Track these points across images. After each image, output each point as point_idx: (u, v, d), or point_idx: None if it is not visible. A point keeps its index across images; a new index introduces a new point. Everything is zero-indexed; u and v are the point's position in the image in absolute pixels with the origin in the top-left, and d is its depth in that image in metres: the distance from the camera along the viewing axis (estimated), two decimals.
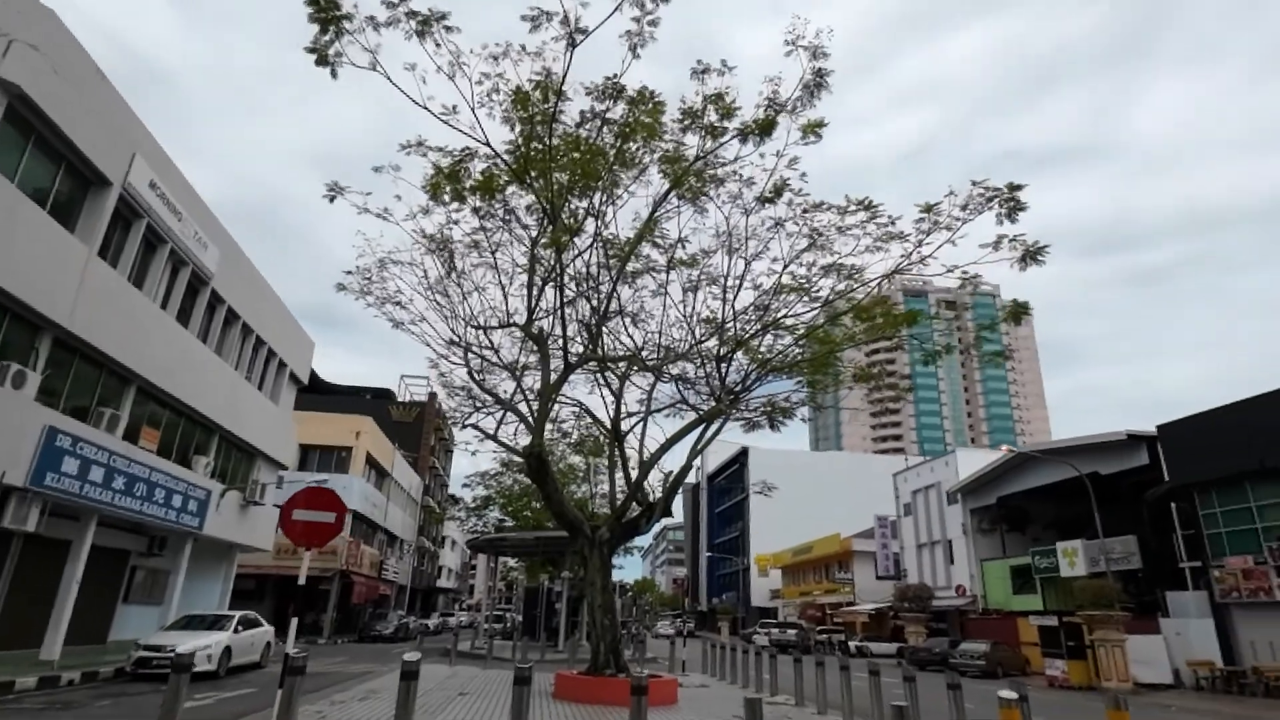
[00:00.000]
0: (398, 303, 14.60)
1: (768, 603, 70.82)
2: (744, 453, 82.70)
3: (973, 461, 40.16)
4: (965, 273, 13.05)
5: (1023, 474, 35.21)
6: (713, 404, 14.17)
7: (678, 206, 13.89)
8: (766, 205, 13.65)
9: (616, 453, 15.03)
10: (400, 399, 59.93)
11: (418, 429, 61.40)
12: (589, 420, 16.87)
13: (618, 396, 15.28)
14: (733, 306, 13.97)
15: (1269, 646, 22.40)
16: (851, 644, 42.58)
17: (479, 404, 15.64)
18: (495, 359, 14.80)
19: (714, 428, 14.54)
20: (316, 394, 49.56)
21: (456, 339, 14.28)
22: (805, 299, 14.48)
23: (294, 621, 7.14)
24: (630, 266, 14.35)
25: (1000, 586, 36.69)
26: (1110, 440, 28.83)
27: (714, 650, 19.71)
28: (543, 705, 11.69)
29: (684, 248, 14.30)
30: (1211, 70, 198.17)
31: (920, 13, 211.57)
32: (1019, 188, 11.94)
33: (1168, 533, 27.04)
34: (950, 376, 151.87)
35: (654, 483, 16.51)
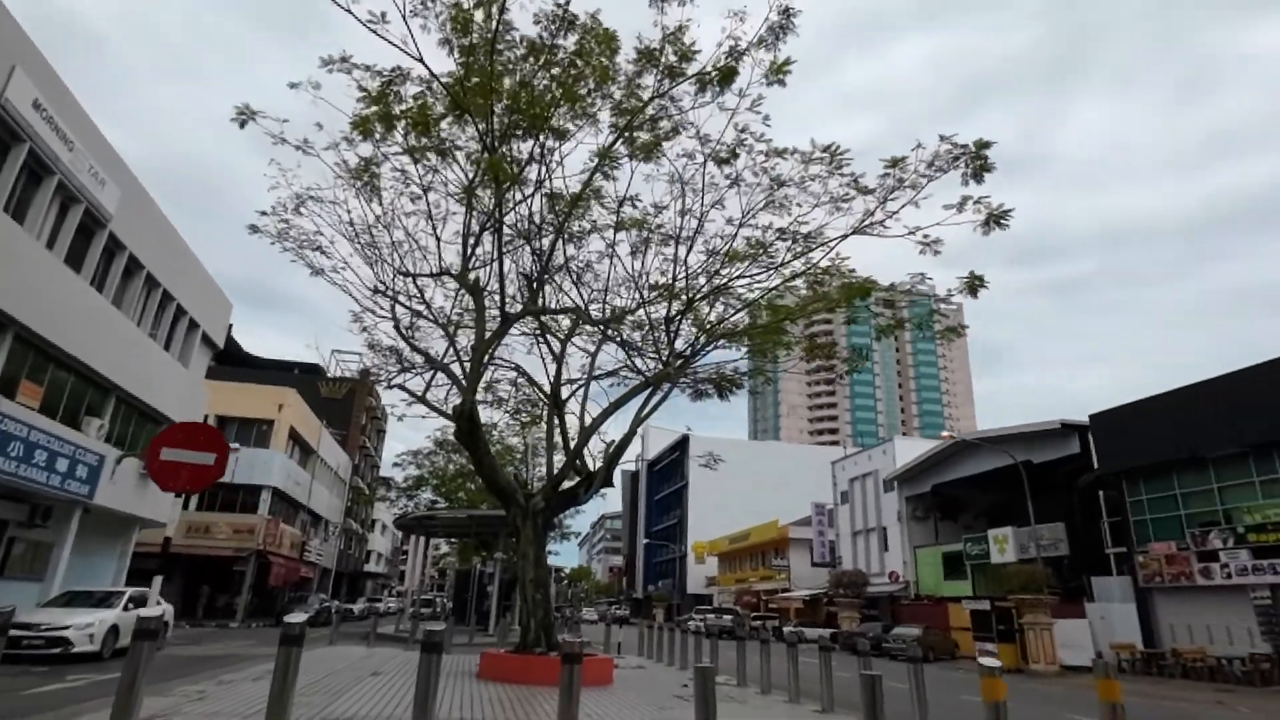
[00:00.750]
0: (318, 247, 13.19)
1: (704, 590, 70.96)
2: (684, 440, 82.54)
3: (910, 450, 40.67)
4: (927, 236, 12.51)
5: (958, 462, 35.75)
6: (660, 369, 13.29)
7: (630, 159, 12.90)
8: (724, 166, 12.83)
9: (556, 420, 14.01)
10: (331, 375, 57.13)
11: (348, 406, 58.80)
12: (527, 388, 15.78)
13: (559, 359, 14.26)
14: (685, 265, 13.10)
15: (1187, 629, 23.07)
16: (786, 630, 42.69)
17: (407, 364, 14.36)
18: (426, 313, 13.56)
19: (660, 395, 13.68)
20: (240, 366, 46.72)
21: (382, 287, 12.97)
22: (759, 264, 13.79)
23: (156, 581, 5.93)
24: (576, 226, 13.34)
25: (932, 573, 37.27)
26: (1045, 429, 29.36)
27: (651, 633, 18.97)
28: (464, 686, 10.64)
29: (634, 205, 13.35)
30: (1131, 95, 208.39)
31: (866, 18, 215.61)
32: (987, 145, 11.43)
33: (1095, 520, 27.71)
34: (885, 372, 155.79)
35: (595, 452, 15.57)
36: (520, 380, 15.36)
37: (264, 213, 12.92)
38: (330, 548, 53.03)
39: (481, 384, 15.16)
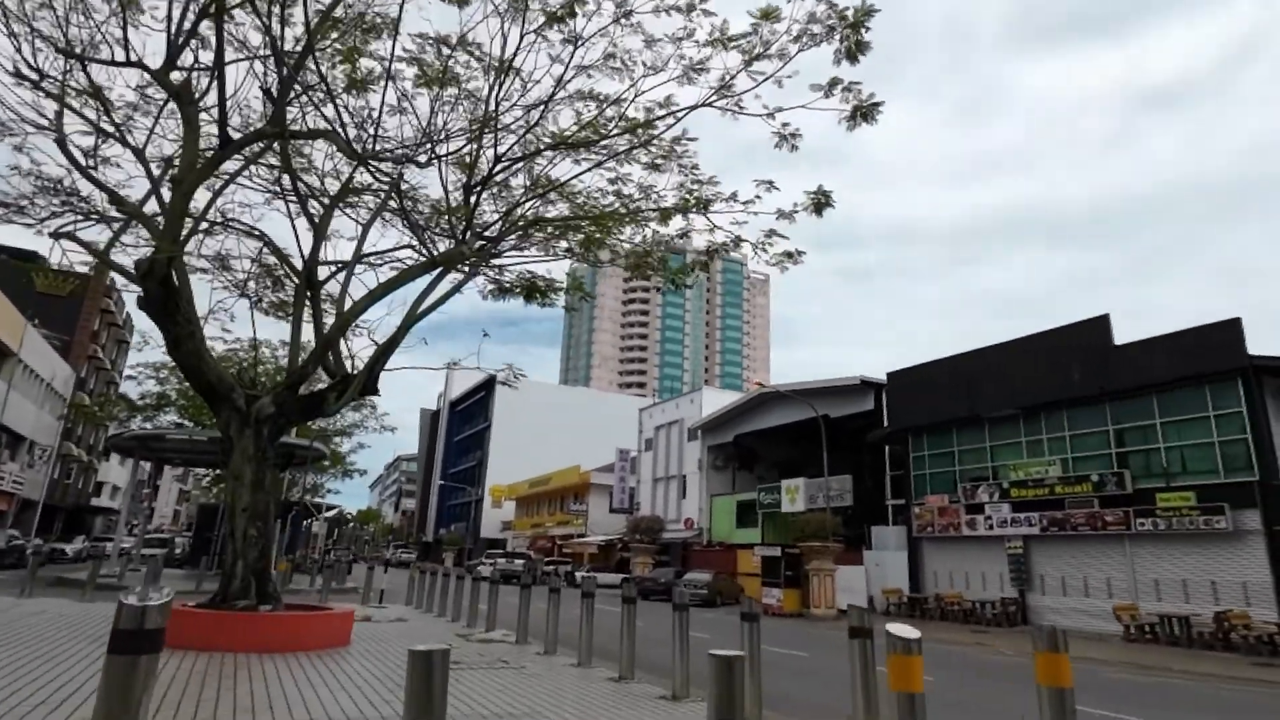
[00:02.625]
0: None
1: (499, 534, 68.81)
2: (490, 381, 78.95)
3: (717, 401, 40.90)
4: (786, 125, 10.62)
5: (761, 414, 36.29)
6: (453, 248, 10.30)
7: None
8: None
9: (308, 307, 10.51)
10: (54, 265, 45.83)
11: (75, 308, 48.11)
12: (278, 268, 11.90)
13: (318, 228, 10.70)
14: (493, 123, 10.08)
15: (949, 576, 24.70)
16: (578, 575, 41.75)
17: (81, 205, 10.00)
18: (110, 125, 9.32)
19: (451, 285, 10.72)
20: None
21: (32, 72, 8.58)
22: (591, 153, 11.24)
23: None
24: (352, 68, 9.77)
25: (725, 520, 37.90)
26: (845, 384, 30.15)
27: (424, 579, 16.13)
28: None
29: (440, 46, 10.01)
30: (926, 108, 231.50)
31: None
32: (870, 13, 9.60)
33: (879, 473, 29.05)
34: (694, 331, 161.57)
35: (359, 354, 12.22)
36: (266, 252, 11.51)
37: None
38: (38, 475, 43.33)
39: (208, 249, 11.21)
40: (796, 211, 12.35)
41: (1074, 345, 21.76)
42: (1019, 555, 22.38)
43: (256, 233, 11.21)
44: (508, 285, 12.08)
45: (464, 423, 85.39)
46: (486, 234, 10.59)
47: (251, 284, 12.01)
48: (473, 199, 10.22)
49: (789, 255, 13.57)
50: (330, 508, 38.04)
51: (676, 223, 13.31)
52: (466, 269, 10.62)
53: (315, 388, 10.54)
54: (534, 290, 12.21)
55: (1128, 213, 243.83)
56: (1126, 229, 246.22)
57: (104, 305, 50.36)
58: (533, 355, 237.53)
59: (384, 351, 10.04)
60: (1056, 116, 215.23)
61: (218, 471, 34.65)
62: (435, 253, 10.06)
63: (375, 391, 10.37)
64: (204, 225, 10.54)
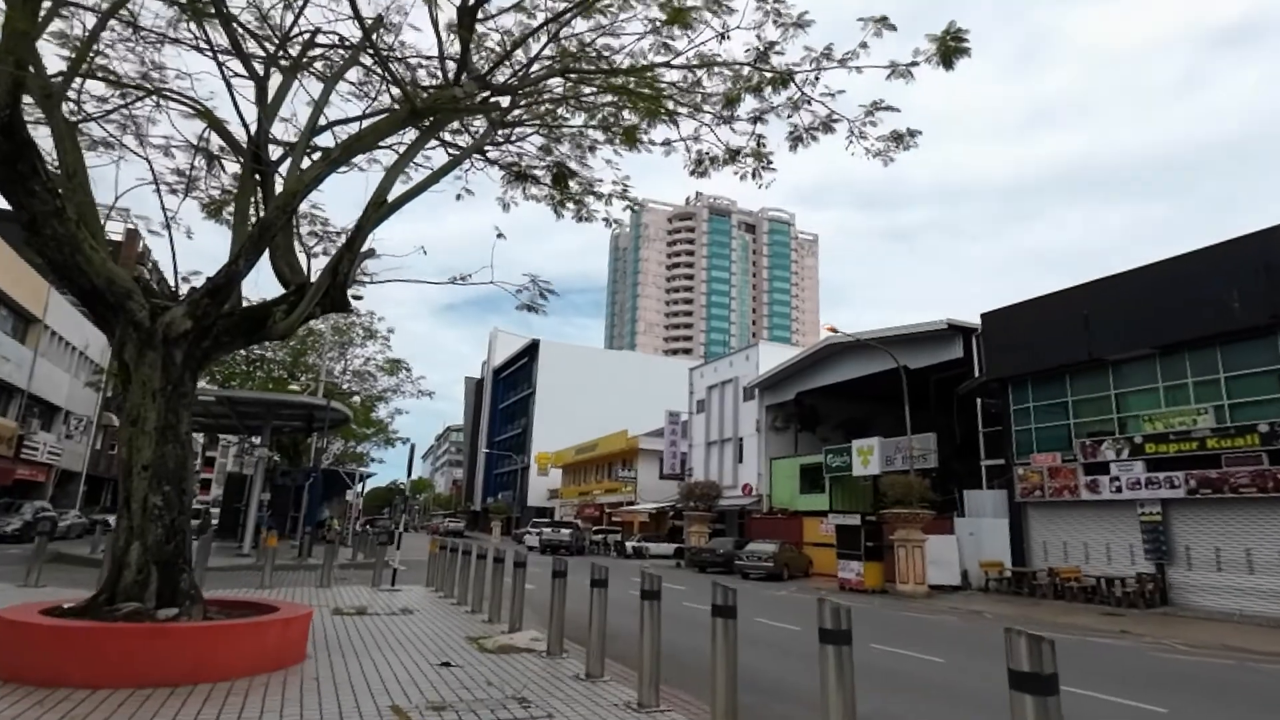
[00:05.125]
0: None
1: (546, 503, 67.01)
2: (534, 346, 76.78)
3: (774, 357, 37.43)
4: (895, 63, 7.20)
5: (826, 368, 32.76)
6: (438, 94, 7.18)
7: None
8: None
9: (255, 188, 7.57)
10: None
11: None
12: (219, 148, 8.90)
13: (260, 89, 7.73)
14: None
15: (1062, 547, 21.05)
16: (628, 544, 39.19)
17: None
18: None
19: (444, 152, 7.63)
20: None
21: None
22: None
23: None
24: None
25: (787, 486, 34.67)
26: (928, 330, 26.35)
27: (447, 555, 13.31)
28: None
29: None
30: (975, 58, 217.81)
31: None
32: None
33: (971, 430, 25.36)
34: (740, 295, 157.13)
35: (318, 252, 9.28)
36: (206, 138, 8.57)
37: None
38: (79, 446, 42.62)
39: (89, 95, 8.35)
40: (916, 64, 8.98)
41: (1233, 266, 17.61)
42: (1156, 523, 18.62)
43: (187, 100, 8.24)
44: (527, 169, 8.94)
45: (508, 390, 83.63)
46: (489, 79, 7.42)
47: (170, 161, 8.99)
48: (470, 39, 7.03)
49: (898, 139, 10.14)
50: (367, 475, 36.07)
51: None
52: (463, 131, 7.49)
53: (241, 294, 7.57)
54: (563, 176, 9.04)
55: (1196, 162, 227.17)
56: (1193, 178, 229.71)
57: (136, 273, 49.16)
58: (576, 326, 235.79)
59: (351, 243, 7.03)
60: (1115, 63, 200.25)
61: (240, 438, 32.93)
62: (418, 101, 6.93)
63: (346, 305, 7.42)
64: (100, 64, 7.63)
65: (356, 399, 37.27)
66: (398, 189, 7.71)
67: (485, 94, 7.45)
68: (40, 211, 5.94)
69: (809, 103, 9.66)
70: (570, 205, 10.81)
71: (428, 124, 7.24)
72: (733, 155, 10.23)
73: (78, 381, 40.91)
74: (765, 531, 31.57)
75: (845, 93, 9.67)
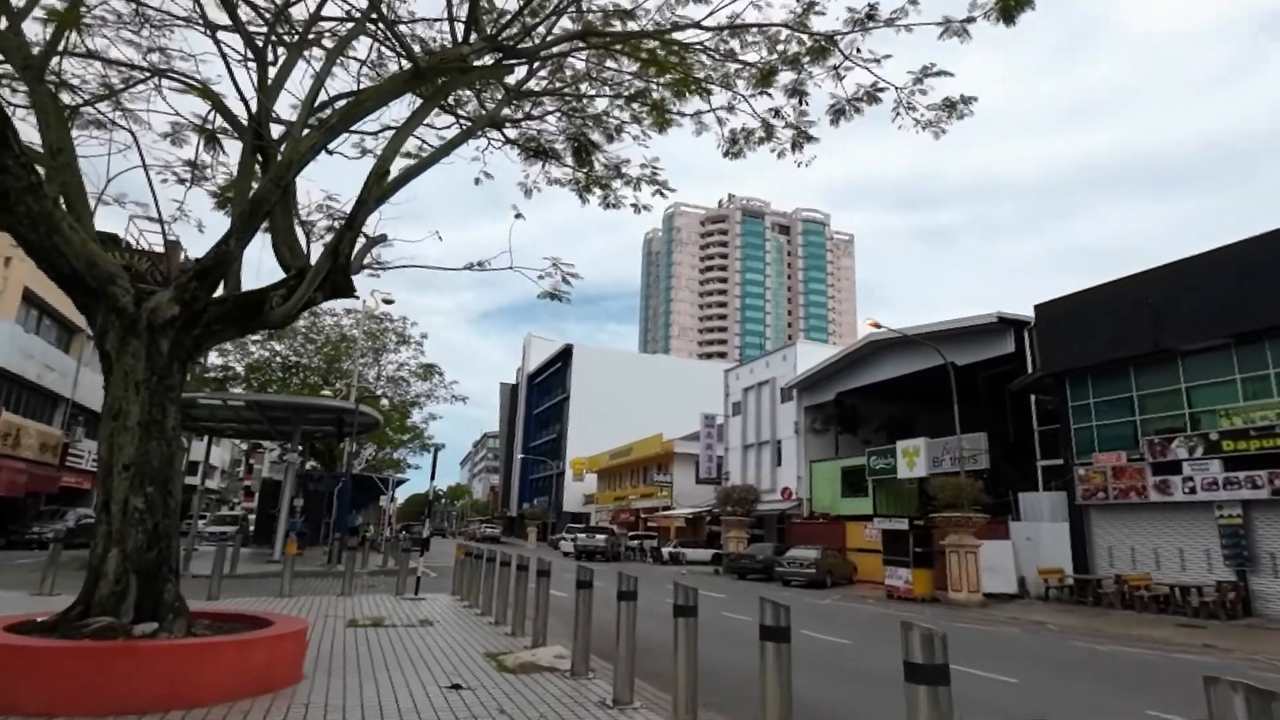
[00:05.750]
0: None
1: (581, 508, 66.45)
2: (568, 350, 76.52)
3: (813, 356, 36.27)
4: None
5: (867, 367, 31.55)
6: (445, 54, 6.53)
7: None
8: None
9: (256, 168, 7.02)
10: (128, 242, 45.47)
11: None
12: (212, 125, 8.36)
13: (260, 60, 7.19)
14: None
15: (1129, 553, 19.62)
16: (665, 550, 38.34)
17: None
18: None
19: (453, 126, 6.99)
20: None
21: None
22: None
23: None
24: None
25: (828, 489, 33.48)
26: (976, 325, 25.06)
27: (474, 564, 12.60)
28: None
29: None
30: (1014, 52, 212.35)
31: None
32: None
33: (1025, 429, 23.97)
34: (775, 298, 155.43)
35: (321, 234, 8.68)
36: (208, 118, 8.07)
37: None
38: None
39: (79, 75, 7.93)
40: (972, 20, 8.20)
41: None
42: (1236, 526, 17.16)
43: (194, 83, 7.75)
44: (547, 144, 8.26)
45: (543, 395, 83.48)
46: (500, 40, 6.74)
47: (174, 149, 8.49)
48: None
49: (951, 106, 9.34)
50: (400, 481, 35.87)
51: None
52: (475, 101, 6.84)
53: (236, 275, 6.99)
54: (585, 149, 8.34)
55: (1250, 152, 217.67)
56: (1249, 168, 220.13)
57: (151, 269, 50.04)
58: (610, 333, 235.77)
59: (352, 220, 6.41)
60: (1161, 52, 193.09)
61: (272, 444, 32.93)
62: (423, 62, 6.28)
63: (349, 289, 6.81)
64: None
65: (385, 402, 37.18)
66: (406, 167, 7.09)
67: (499, 56, 6.78)
68: (12, 188, 5.42)
69: (851, 70, 8.86)
70: (596, 190, 10.13)
71: (435, 88, 6.59)
72: (768, 128, 9.45)
73: None
74: (806, 537, 30.44)
75: (891, 57, 8.84)
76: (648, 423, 58.84)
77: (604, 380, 72.18)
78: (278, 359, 38.15)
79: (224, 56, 7.42)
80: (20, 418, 29.21)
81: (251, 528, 32.47)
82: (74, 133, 6.99)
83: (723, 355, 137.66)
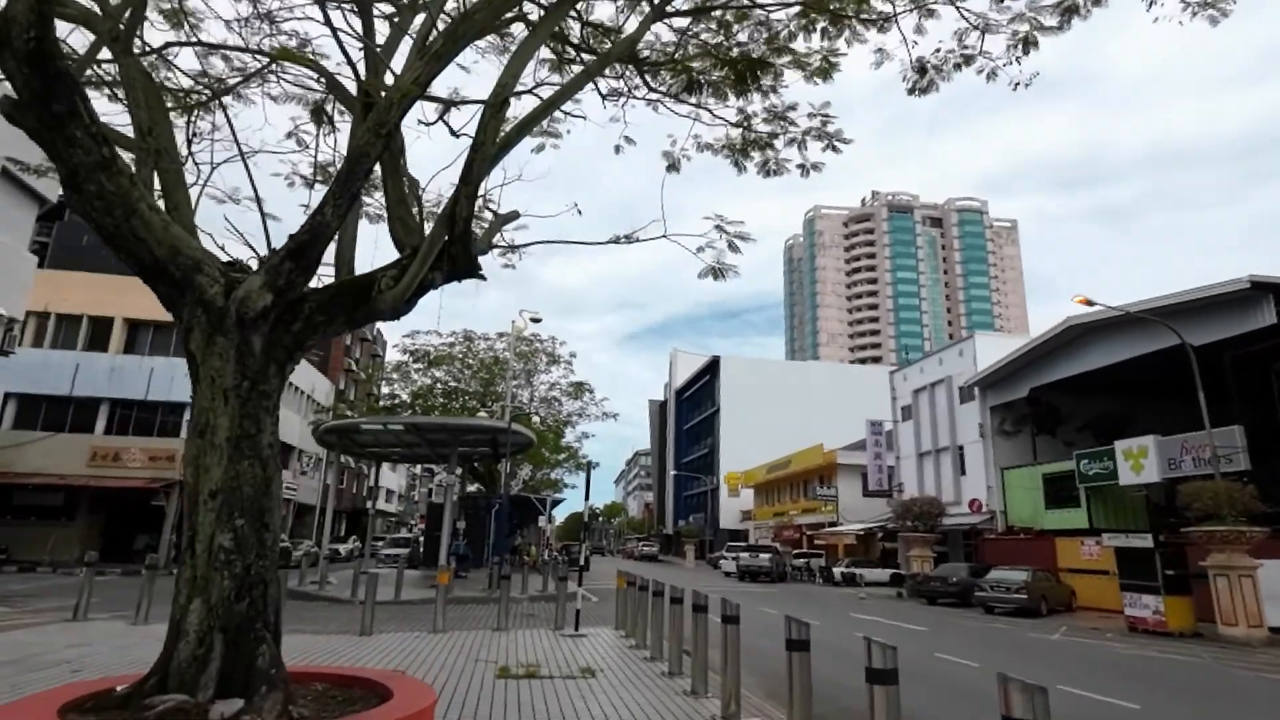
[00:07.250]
0: None
1: (738, 525, 64.04)
2: (715, 363, 74.78)
3: (996, 349, 31.97)
4: None
5: (1068, 356, 27.10)
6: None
7: None
8: None
9: (377, 145, 5.95)
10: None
11: None
12: (319, 91, 7.43)
13: (388, 37, 6.16)
14: None
15: None
16: (836, 570, 35.23)
17: None
18: None
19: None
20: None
21: None
22: None
23: None
24: None
25: (1027, 500, 29.06)
26: (1219, 295, 20.39)
27: (638, 595, 10.93)
28: None
29: None
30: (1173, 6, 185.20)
31: None
32: None
33: None
34: (932, 295, 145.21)
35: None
36: (318, 83, 7.19)
37: None
38: (313, 482, 46.84)
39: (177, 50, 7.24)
40: None
41: None
42: None
43: (301, 59, 6.87)
44: (700, 75, 6.62)
45: (692, 410, 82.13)
46: None
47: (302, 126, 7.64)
48: None
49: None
50: (558, 500, 35.66)
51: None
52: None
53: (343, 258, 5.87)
54: (752, 70, 6.60)
55: None
56: None
57: None
58: (755, 345, 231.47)
59: (467, 174, 5.09)
60: None
61: (424, 463, 33.68)
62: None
63: (473, 267, 5.51)
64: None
65: (537, 419, 37.24)
66: (533, 109, 5.71)
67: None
68: (82, 163, 4.55)
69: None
70: (754, 154, 8.39)
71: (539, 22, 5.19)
72: (986, 28, 7.30)
73: (306, 422, 45.05)
74: (1004, 555, 26.41)
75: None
76: (803, 433, 55.65)
77: (754, 391, 69.70)
78: (439, 385, 39.53)
79: (330, 24, 6.46)
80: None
81: (421, 549, 33.40)
82: (177, 122, 6.25)
83: (877, 360, 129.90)
